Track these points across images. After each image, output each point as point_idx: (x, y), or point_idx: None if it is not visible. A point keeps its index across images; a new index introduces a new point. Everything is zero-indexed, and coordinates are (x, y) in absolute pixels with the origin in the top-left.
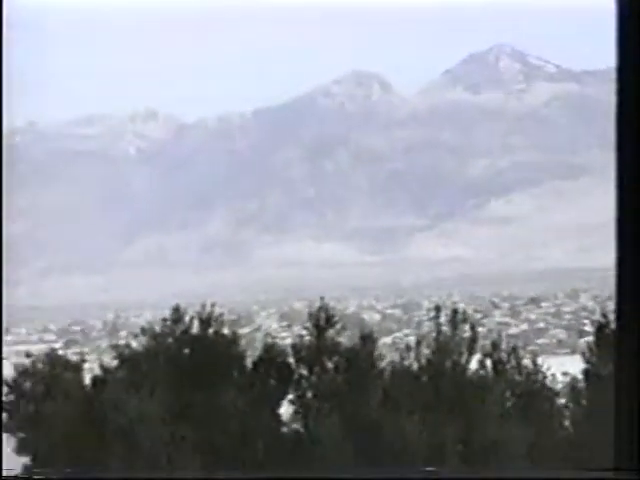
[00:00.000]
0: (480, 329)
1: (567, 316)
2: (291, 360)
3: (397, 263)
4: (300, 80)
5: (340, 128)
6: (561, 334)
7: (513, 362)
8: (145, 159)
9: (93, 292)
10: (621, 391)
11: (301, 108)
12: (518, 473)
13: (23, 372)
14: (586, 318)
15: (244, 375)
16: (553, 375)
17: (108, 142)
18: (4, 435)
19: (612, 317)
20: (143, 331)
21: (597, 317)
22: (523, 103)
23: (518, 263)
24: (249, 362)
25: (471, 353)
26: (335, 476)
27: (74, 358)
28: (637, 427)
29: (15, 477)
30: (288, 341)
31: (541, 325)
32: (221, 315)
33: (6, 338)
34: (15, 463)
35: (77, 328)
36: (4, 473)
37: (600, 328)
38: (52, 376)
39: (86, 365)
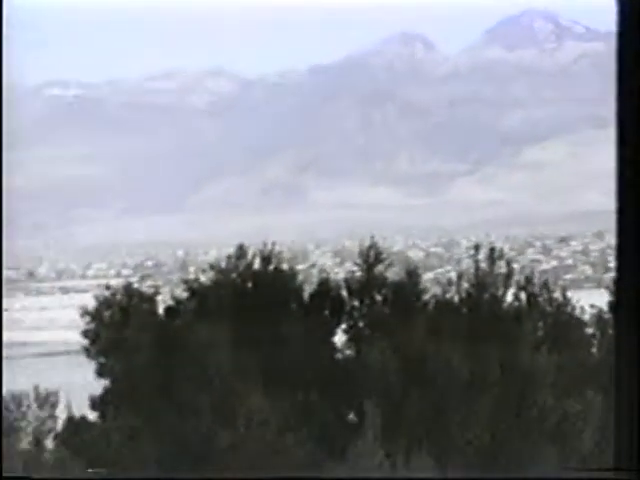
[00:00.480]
0: (515, 265)
1: (594, 254)
2: (344, 293)
3: (439, 206)
4: (352, 41)
5: (388, 84)
6: (588, 270)
7: (545, 295)
8: (213, 112)
9: (165, 231)
10: (621, 391)
11: (352, 66)
12: (518, 473)
13: (103, 303)
14: (611, 255)
15: (301, 307)
16: (581, 307)
17: (180, 96)
18: None
19: None
20: (211, 267)
21: None
22: (555, 60)
23: (550, 205)
24: (306, 295)
25: (507, 287)
26: (335, 476)
27: (149, 290)
28: (637, 427)
29: (15, 477)
30: (341, 276)
31: (570, 262)
32: (280, 253)
33: (88, 272)
34: (96, 386)
35: (151, 264)
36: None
37: None
38: (129, 306)
39: (159, 297)
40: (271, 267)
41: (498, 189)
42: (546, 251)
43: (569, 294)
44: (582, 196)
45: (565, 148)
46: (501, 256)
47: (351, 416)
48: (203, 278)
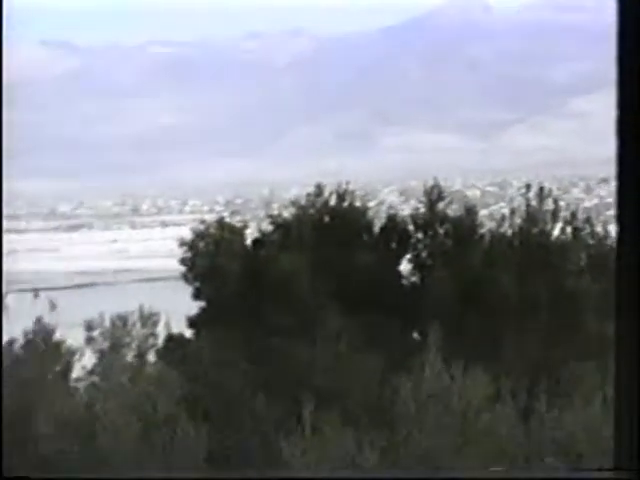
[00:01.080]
0: (561, 203)
1: None
2: (409, 227)
3: (494, 150)
4: (417, 3)
5: (450, 42)
6: None
7: (588, 229)
8: (292, 69)
9: (252, 173)
10: (621, 391)
11: (419, 26)
12: (518, 473)
13: (198, 235)
14: None
15: (372, 239)
16: None
17: (263, 55)
18: None
19: None
20: (292, 203)
21: None
22: (599, 22)
23: (593, 150)
24: (376, 229)
25: (554, 222)
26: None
27: (238, 224)
28: (637, 427)
29: (15, 477)
30: (406, 212)
31: (609, 200)
32: (353, 191)
33: (184, 208)
34: (192, 308)
35: (239, 201)
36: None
37: None
38: (221, 238)
39: (247, 230)
40: (345, 204)
41: (546, 136)
42: (589, 190)
43: (609, 228)
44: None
45: (609, 100)
46: (549, 195)
47: (415, 335)
48: (285, 213)
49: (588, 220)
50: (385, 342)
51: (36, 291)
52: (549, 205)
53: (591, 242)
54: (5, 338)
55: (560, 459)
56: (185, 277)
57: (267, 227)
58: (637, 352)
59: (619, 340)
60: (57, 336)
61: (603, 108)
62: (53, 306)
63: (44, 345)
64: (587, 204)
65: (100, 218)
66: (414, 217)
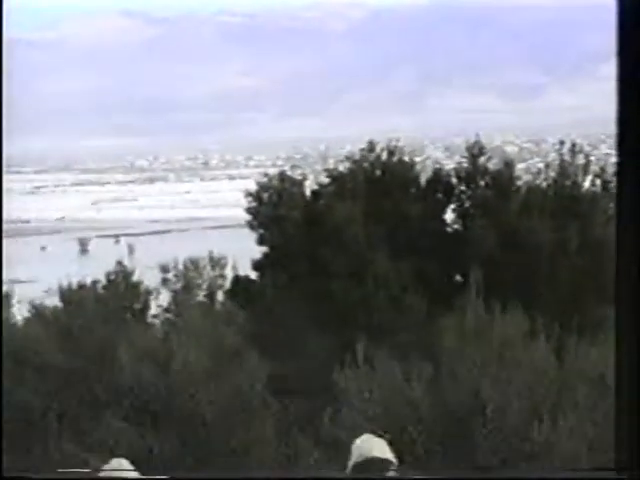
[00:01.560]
0: (592, 157)
1: None
2: (453, 180)
3: (531, 110)
4: None
5: (491, 11)
6: None
7: (615, 182)
8: (349, 36)
9: (310, 131)
10: (621, 390)
11: None
12: (518, 473)
13: (262, 187)
14: None
15: (419, 190)
16: None
17: (322, 23)
18: None
19: None
20: (346, 158)
21: None
22: None
23: None
24: (423, 181)
25: (585, 175)
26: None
27: (298, 177)
28: (637, 426)
29: (15, 477)
30: (450, 166)
31: None
32: (402, 147)
33: (250, 163)
34: (256, 252)
35: (299, 156)
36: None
37: None
38: (282, 190)
39: (306, 182)
40: (395, 159)
41: (578, 97)
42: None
43: None
44: None
45: None
46: (580, 150)
47: (458, 277)
48: (341, 167)
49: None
50: (431, 284)
51: (117, 237)
52: (580, 160)
53: None
54: (89, 279)
55: (587, 388)
56: (250, 225)
57: (324, 180)
58: (637, 352)
59: (619, 340)
60: (136, 277)
61: None
62: (132, 250)
63: (124, 285)
64: (615, 159)
65: (174, 172)
66: (457, 171)
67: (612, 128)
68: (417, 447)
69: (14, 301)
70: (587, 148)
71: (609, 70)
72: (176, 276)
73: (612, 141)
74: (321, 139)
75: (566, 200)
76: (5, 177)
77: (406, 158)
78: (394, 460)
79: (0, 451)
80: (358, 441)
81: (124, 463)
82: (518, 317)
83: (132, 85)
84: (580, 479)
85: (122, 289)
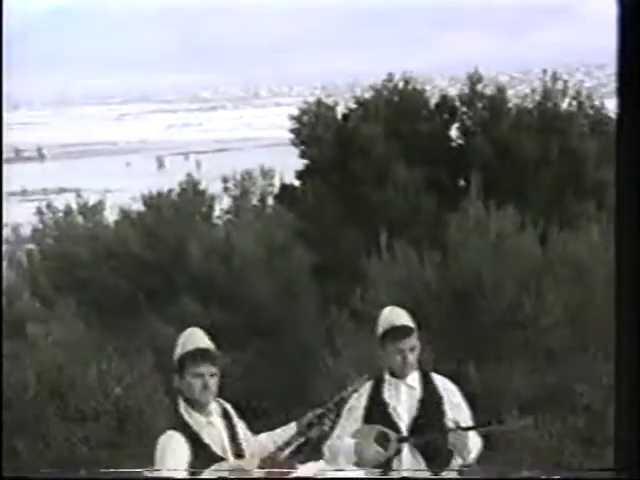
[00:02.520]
0: (570, 85)
1: None
2: (456, 103)
3: (520, 46)
4: None
5: None
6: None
7: (589, 103)
8: None
9: (340, 65)
10: (621, 390)
11: None
12: (518, 473)
13: (302, 111)
14: None
15: (429, 112)
16: (613, 111)
17: None
18: None
19: None
20: (370, 87)
21: None
22: None
23: (593, 41)
24: (432, 104)
25: (563, 97)
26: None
27: (331, 103)
28: (637, 426)
29: (15, 477)
30: (454, 92)
31: (605, 81)
32: (416, 78)
33: (292, 92)
34: (299, 164)
35: (332, 86)
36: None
37: None
38: (319, 113)
39: (338, 107)
40: (410, 87)
41: (561, 33)
42: (589, 74)
43: (605, 102)
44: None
45: (604, 5)
46: (559, 77)
47: (461, 182)
48: (366, 95)
49: (589, 96)
50: (439, 188)
51: (186, 155)
52: (559, 85)
53: (591, 112)
54: (165, 188)
55: (567, 269)
56: (293, 143)
57: (352, 105)
58: (637, 351)
59: (620, 340)
60: (202, 186)
61: (601, 13)
62: (199, 165)
63: (193, 193)
64: (588, 84)
65: (231, 101)
66: (460, 96)
67: (585, 59)
68: (430, 316)
69: (107, 207)
70: (565, 76)
71: (583, 11)
72: (234, 185)
73: (584, 69)
74: (349, 72)
75: (548, 118)
76: (96, 107)
77: (418, 87)
78: (414, 326)
79: (0, 451)
80: (384, 312)
81: (197, 331)
82: (510, 213)
83: (199, 34)
84: (580, 479)
85: (191, 196)
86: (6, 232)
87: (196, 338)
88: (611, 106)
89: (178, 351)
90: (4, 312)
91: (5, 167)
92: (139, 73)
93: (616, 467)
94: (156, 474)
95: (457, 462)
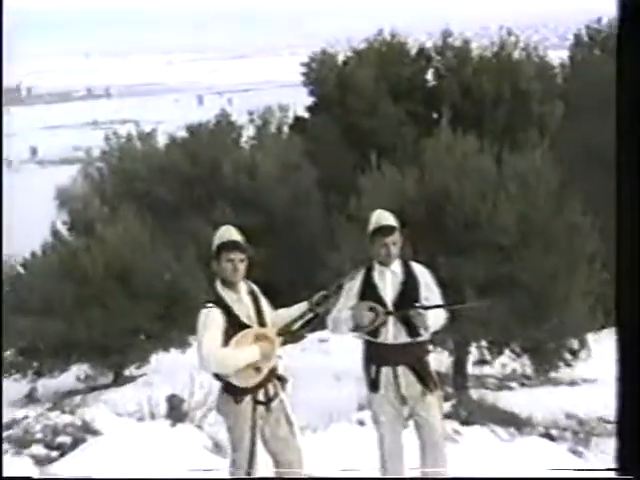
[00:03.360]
0: (521, 38)
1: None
2: (432, 53)
3: (481, 3)
4: None
5: None
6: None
7: (535, 53)
8: None
9: (339, 24)
10: (622, 390)
11: None
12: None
13: (311, 59)
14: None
15: (409, 60)
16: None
17: None
18: None
19: None
20: (364, 40)
21: None
22: None
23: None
24: (412, 54)
25: (515, 48)
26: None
27: (332, 52)
28: (637, 426)
29: (15, 477)
30: (430, 45)
31: (549, 36)
32: (400, 35)
33: (302, 44)
34: (308, 101)
35: (334, 39)
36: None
37: None
38: (323, 60)
39: (339, 56)
40: (395, 40)
41: None
42: (537, 30)
43: (548, 52)
44: None
45: None
46: (512, 32)
47: (435, 115)
48: (361, 46)
49: (535, 48)
50: (417, 119)
51: (221, 93)
52: (513, 39)
53: (537, 60)
54: (204, 120)
55: (517, 185)
56: (304, 83)
57: (350, 54)
58: (638, 351)
59: (620, 339)
60: (233, 118)
61: None
62: (230, 102)
63: (226, 123)
64: (535, 38)
65: (257, 52)
66: (435, 47)
67: (535, 19)
68: (409, 219)
69: (159, 134)
70: (516, 31)
71: None
72: (258, 117)
73: (535, 26)
74: (348, 29)
75: (504, 65)
76: (147, 57)
77: (402, 39)
78: (396, 225)
79: (0, 451)
80: (373, 215)
81: (230, 228)
82: (472, 139)
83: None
84: (580, 479)
85: (224, 126)
86: (80, 153)
87: (229, 233)
88: (553, 56)
89: (215, 243)
90: (80, 215)
91: (79, 103)
92: (185, 28)
93: (616, 467)
94: (197, 342)
95: (423, 333)
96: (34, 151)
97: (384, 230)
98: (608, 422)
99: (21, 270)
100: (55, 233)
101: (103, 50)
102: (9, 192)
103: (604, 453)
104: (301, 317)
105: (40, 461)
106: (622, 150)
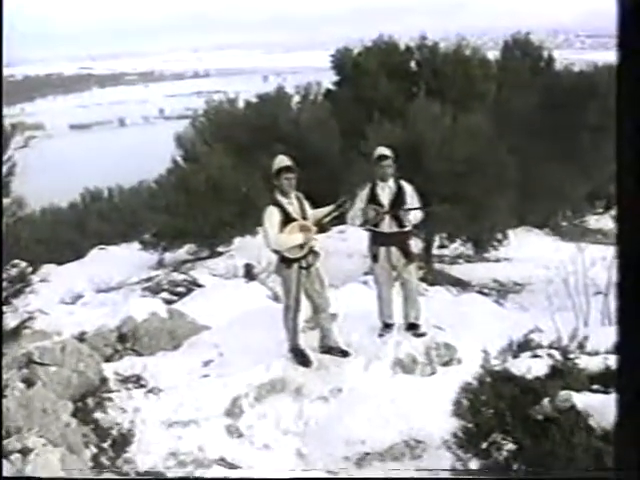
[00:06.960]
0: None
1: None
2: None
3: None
4: None
5: None
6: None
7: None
8: None
9: (352, 29)
10: (622, 390)
11: None
12: (518, 474)
13: (336, 52)
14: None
15: (405, 51)
16: None
17: None
18: None
19: None
20: (360, 41)
21: None
22: None
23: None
24: (401, 47)
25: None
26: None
27: (350, 47)
28: (637, 426)
29: (15, 477)
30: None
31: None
32: (394, 36)
33: (330, 45)
34: (334, 77)
35: (349, 40)
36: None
37: None
38: (344, 54)
39: (355, 50)
40: (390, 40)
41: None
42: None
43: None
44: None
45: None
46: (465, 39)
47: (416, 89)
48: (369, 44)
49: (479, 48)
50: (404, 92)
51: (278, 74)
52: (465, 42)
53: (480, 57)
54: (268, 90)
55: (466, 135)
56: (331, 68)
57: (361, 49)
58: (638, 351)
59: (620, 340)
60: (286, 90)
61: None
62: (285, 79)
63: (282, 93)
64: (479, 42)
65: (299, 48)
66: (416, 46)
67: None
68: (399, 162)
69: (239, 100)
70: (468, 37)
71: None
72: (302, 89)
73: (480, 34)
74: (360, 32)
75: (459, 58)
76: (228, 51)
77: (395, 40)
78: (391, 155)
79: (0, 451)
80: (375, 150)
81: (284, 157)
82: (438, 105)
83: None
84: (580, 479)
85: (281, 94)
86: (190, 112)
87: (283, 160)
88: (490, 55)
89: (275, 167)
90: (190, 151)
91: (190, 80)
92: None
93: (616, 467)
94: (263, 230)
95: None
96: (162, 111)
97: (382, 158)
98: (519, 285)
99: (154, 186)
100: (175, 162)
101: (208, 46)
102: (152, 136)
103: (515, 303)
104: (329, 214)
105: (167, 302)
106: (622, 150)
